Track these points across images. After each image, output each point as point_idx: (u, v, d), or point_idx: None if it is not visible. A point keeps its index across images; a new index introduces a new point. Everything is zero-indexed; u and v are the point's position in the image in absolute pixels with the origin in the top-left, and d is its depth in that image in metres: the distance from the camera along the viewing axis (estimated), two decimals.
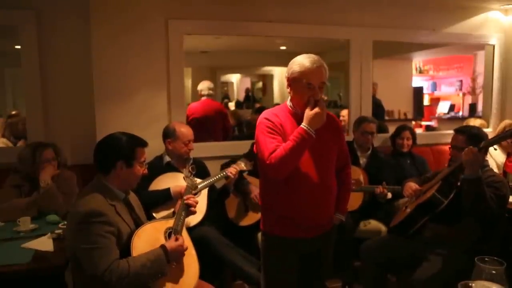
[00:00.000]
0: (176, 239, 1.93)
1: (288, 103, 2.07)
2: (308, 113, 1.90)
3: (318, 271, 2.17)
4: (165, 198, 2.72)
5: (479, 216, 2.34)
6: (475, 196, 2.27)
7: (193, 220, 2.70)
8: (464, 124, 3.89)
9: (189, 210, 2.17)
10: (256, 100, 9.99)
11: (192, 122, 4.36)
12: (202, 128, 4.29)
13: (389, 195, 3.20)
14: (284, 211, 2.03)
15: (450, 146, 2.57)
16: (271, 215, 2.09)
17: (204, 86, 4.65)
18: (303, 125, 1.89)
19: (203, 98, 4.64)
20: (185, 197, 2.19)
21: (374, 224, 3.29)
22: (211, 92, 4.68)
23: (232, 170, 2.92)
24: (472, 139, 2.40)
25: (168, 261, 1.84)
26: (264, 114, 2.06)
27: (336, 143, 2.10)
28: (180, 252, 1.92)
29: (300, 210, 2.00)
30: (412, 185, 2.72)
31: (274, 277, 2.13)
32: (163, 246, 1.86)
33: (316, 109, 1.90)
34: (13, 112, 3.84)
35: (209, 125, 4.54)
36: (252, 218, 3.14)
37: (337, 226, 2.20)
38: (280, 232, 2.06)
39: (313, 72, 1.92)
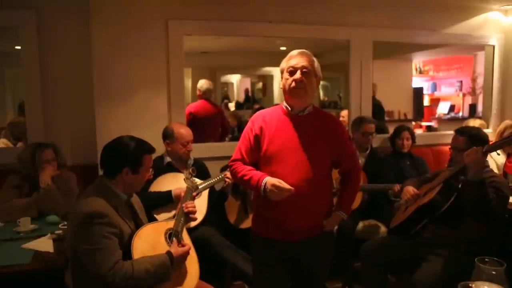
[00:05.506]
0: (182, 245, 1.94)
1: (284, 103, 2.08)
2: (272, 182, 1.88)
3: (308, 276, 2.15)
4: (167, 200, 2.72)
5: (483, 217, 2.33)
6: (479, 198, 2.25)
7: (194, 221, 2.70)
8: (464, 124, 3.88)
9: (188, 217, 2.17)
10: (256, 100, 9.98)
11: (193, 122, 4.35)
12: (202, 129, 4.29)
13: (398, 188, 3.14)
14: (268, 212, 2.04)
15: (450, 147, 2.57)
16: (258, 216, 2.12)
17: (205, 86, 4.63)
18: (264, 181, 1.91)
19: (202, 99, 4.63)
20: (183, 205, 2.19)
21: (373, 224, 3.29)
22: (211, 93, 4.69)
23: (229, 174, 2.89)
24: (472, 140, 2.39)
25: (172, 267, 1.84)
26: (255, 114, 2.12)
27: (330, 145, 2.03)
28: (184, 258, 1.93)
29: (282, 212, 1.98)
30: (410, 190, 2.71)
31: (260, 277, 2.16)
32: (169, 253, 1.85)
33: (276, 183, 1.87)
34: None
35: (209, 126, 4.54)
36: None
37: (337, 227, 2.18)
38: (264, 233, 2.08)
39: (295, 57, 2.00)
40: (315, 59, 2.02)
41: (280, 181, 1.89)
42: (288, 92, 1.99)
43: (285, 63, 2.02)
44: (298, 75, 1.95)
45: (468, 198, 2.30)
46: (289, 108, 2.04)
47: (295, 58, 1.99)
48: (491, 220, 2.34)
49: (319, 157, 2.00)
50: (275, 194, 1.88)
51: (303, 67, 1.95)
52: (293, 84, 1.96)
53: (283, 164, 1.96)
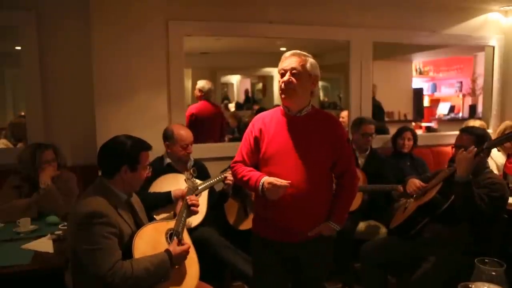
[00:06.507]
0: (181, 244, 1.94)
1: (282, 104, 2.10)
2: (269, 181, 1.91)
3: (308, 277, 2.15)
4: (166, 200, 2.72)
5: (470, 218, 2.34)
6: (464, 199, 2.27)
7: (194, 221, 2.70)
8: (464, 125, 3.89)
9: (191, 209, 2.18)
10: (256, 101, 9.98)
11: (195, 123, 4.35)
12: (203, 129, 4.30)
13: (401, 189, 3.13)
14: (266, 212, 2.05)
15: (453, 145, 2.55)
16: (257, 216, 2.15)
17: (207, 87, 4.62)
18: (262, 180, 1.94)
19: (203, 100, 4.63)
20: (187, 197, 2.20)
21: (373, 224, 3.29)
22: (211, 93, 4.69)
23: (230, 177, 2.85)
24: (478, 139, 2.39)
25: (171, 265, 1.84)
26: (255, 117, 2.15)
27: (329, 146, 2.02)
28: (184, 257, 1.93)
29: (280, 211, 1.99)
30: (416, 182, 2.71)
31: (259, 278, 2.17)
32: (168, 251, 1.86)
33: (273, 181, 1.89)
34: (22, 113, 3.85)
35: (210, 126, 4.54)
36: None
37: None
38: (263, 233, 2.09)
39: (285, 59, 2.02)
40: (309, 59, 2.01)
41: (277, 179, 1.90)
42: (280, 94, 2.02)
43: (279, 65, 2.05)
44: (286, 77, 1.97)
45: (455, 197, 2.32)
46: (287, 110, 2.05)
47: (286, 60, 2.01)
48: (478, 221, 2.34)
49: (317, 158, 2.00)
50: (272, 192, 1.90)
51: (292, 68, 1.97)
52: (282, 86, 1.99)
53: (281, 165, 1.98)
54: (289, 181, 1.90)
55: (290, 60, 1.99)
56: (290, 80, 1.96)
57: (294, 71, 1.97)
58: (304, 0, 3.75)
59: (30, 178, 2.83)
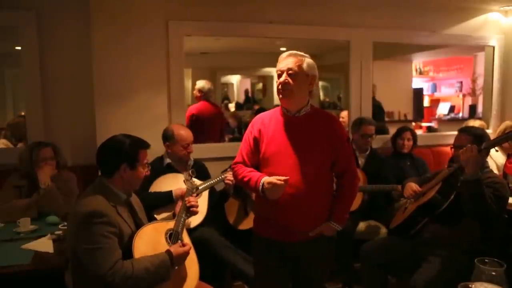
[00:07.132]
0: (183, 245, 1.94)
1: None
2: (268, 180, 1.93)
3: (308, 277, 2.15)
4: (167, 200, 2.72)
5: (480, 217, 2.34)
6: (475, 197, 2.26)
7: (194, 221, 2.70)
8: (464, 125, 3.89)
9: (190, 210, 2.18)
10: (256, 101, 9.98)
11: (195, 123, 4.35)
12: (203, 130, 4.29)
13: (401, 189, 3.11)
14: (266, 212, 2.06)
15: (452, 146, 2.55)
16: (258, 216, 2.16)
17: (206, 87, 4.62)
18: (262, 181, 1.95)
19: (203, 100, 4.62)
20: (186, 199, 2.20)
21: (373, 224, 3.29)
22: (211, 93, 4.69)
23: (230, 176, 2.86)
24: (476, 139, 2.39)
25: (172, 266, 1.84)
26: (255, 118, 2.17)
27: (328, 146, 2.01)
28: (184, 258, 1.93)
29: (279, 211, 2.00)
30: (412, 186, 2.72)
31: (260, 277, 2.19)
32: (168, 252, 1.86)
33: (272, 181, 1.90)
34: (22, 113, 3.85)
35: (210, 127, 4.54)
36: (252, 221, 3.13)
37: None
38: (264, 233, 2.10)
39: (282, 59, 2.02)
40: (306, 59, 2.01)
41: (278, 177, 1.91)
42: (278, 95, 2.03)
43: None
44: (283, 77, 1.98)
45: (465, 196, 2.31)
46: (285, 110, 2.06)
47: (283, 61, 2.01)
48: (487, 220, 2.35)
49: (316, 158, 2.01)
50: (272, 192, 1.91)
51: (288, 69, 1.98)
52: (279, 86, 2.00)
53: (280, 165, 1.99)
54: (287, 177, 1.90)
55: (286, 60, 2.00)
56: (287, 81, 1.97)
57: (290, 72, 1.97)
58: (304, 0, 3.75)
59: (29, 175, 2.83)
